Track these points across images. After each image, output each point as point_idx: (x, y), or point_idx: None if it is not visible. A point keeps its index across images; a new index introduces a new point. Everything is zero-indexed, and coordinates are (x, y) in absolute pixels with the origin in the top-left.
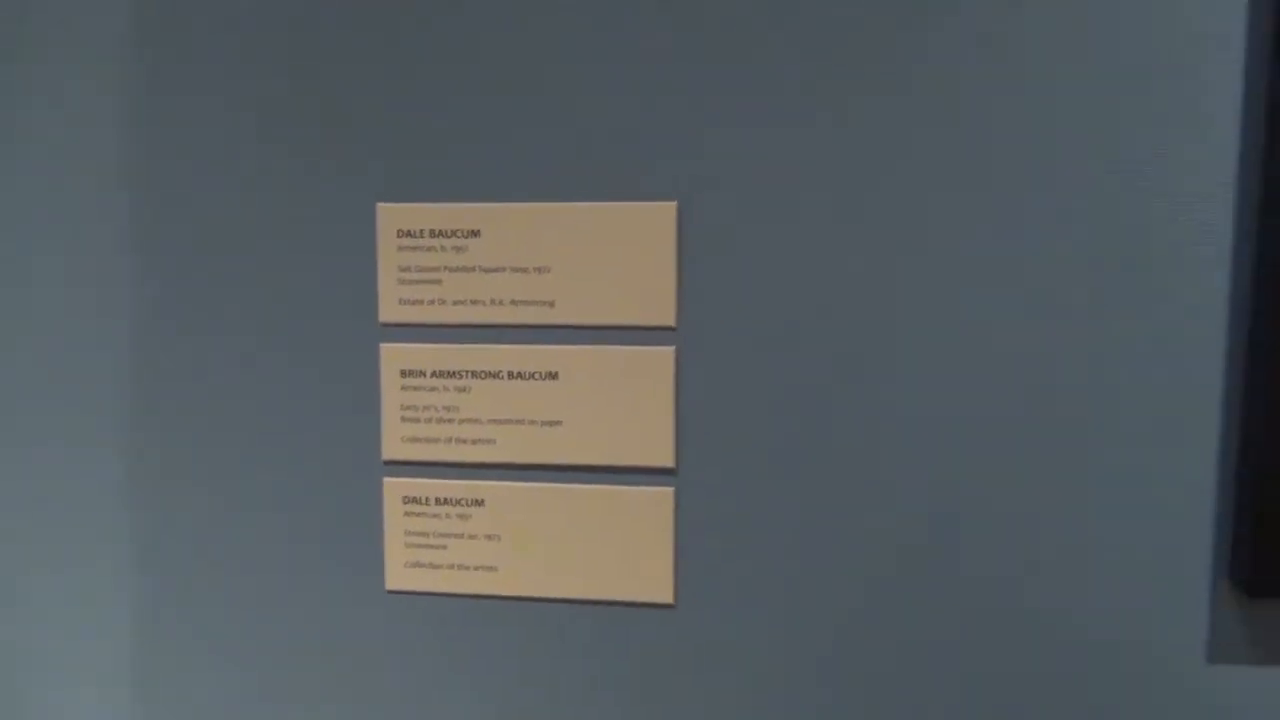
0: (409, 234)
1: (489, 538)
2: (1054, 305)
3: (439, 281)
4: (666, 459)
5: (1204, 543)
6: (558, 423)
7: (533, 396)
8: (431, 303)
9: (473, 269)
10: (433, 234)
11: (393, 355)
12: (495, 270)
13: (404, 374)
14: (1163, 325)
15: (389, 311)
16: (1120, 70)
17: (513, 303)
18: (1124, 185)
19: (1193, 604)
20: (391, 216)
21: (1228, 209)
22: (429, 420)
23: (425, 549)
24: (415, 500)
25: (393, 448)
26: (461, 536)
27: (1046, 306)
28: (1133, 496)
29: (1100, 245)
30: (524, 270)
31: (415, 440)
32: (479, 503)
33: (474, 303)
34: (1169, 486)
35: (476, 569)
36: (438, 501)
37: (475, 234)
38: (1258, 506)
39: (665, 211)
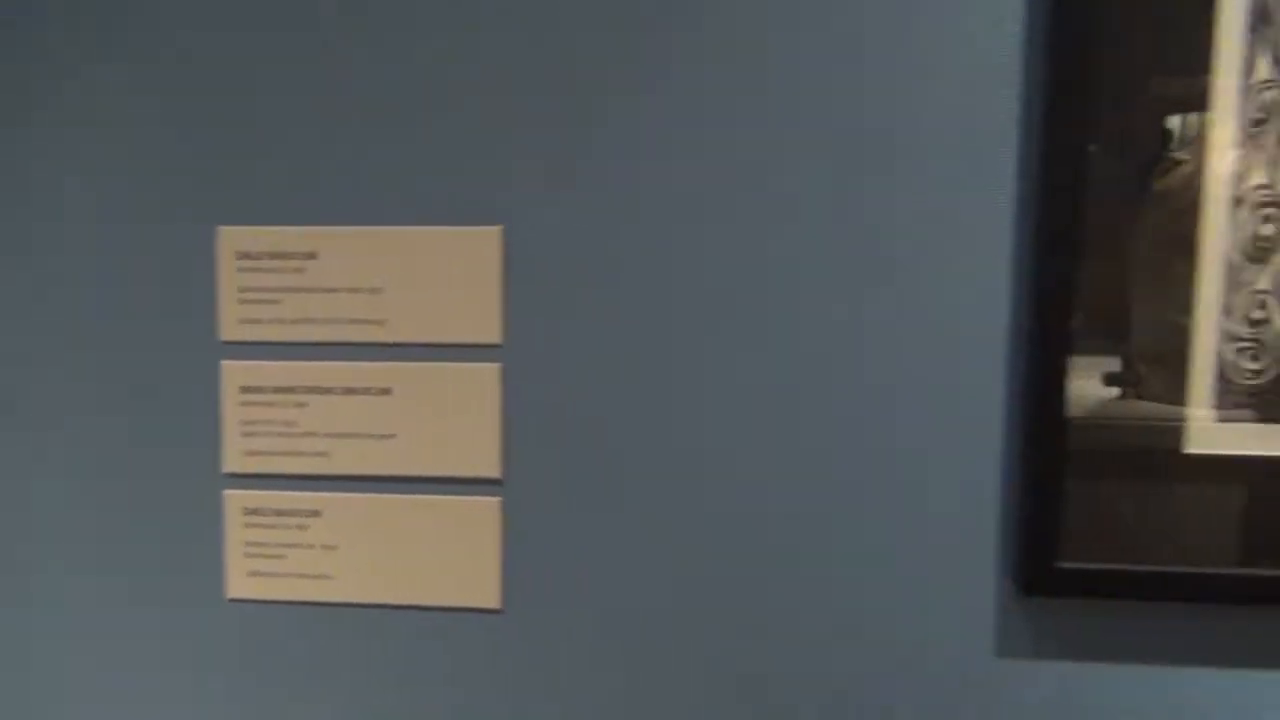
0: (248, 256)
1: (326, 547)
2: (842, 316)
3: (278, 301)
4: (493, 470)
5: (989, 545)
6: (391, 436)
7: (367, 411)
8: (270, 322)
9: (309, 290)
10: (271, 256)
11: (233, 372)
12: (331, 291)
13: (244, 390)
14: (946, 340)
15: (230, 330)
16: (896, 90)
17: (348, 322)
18: (907, 201)
19: (981, 602)
20: (232, 239)
21: (1006, 221)
22: (268, 434)
23: (265, 558)
24: (255, 512)
25: (233, 461)
26: (299, 546)
27: (838, 317)
28: (923, 501)
29: (883, 255)
30: (358, 291)
31: (255, 454)
32: (316, 513)
33: (311, 322)
34: (956, 492)
35: (314, 577)
36: (276, 513)
37: (312, 256)
38: (1029, 510)
39: (490, 235)
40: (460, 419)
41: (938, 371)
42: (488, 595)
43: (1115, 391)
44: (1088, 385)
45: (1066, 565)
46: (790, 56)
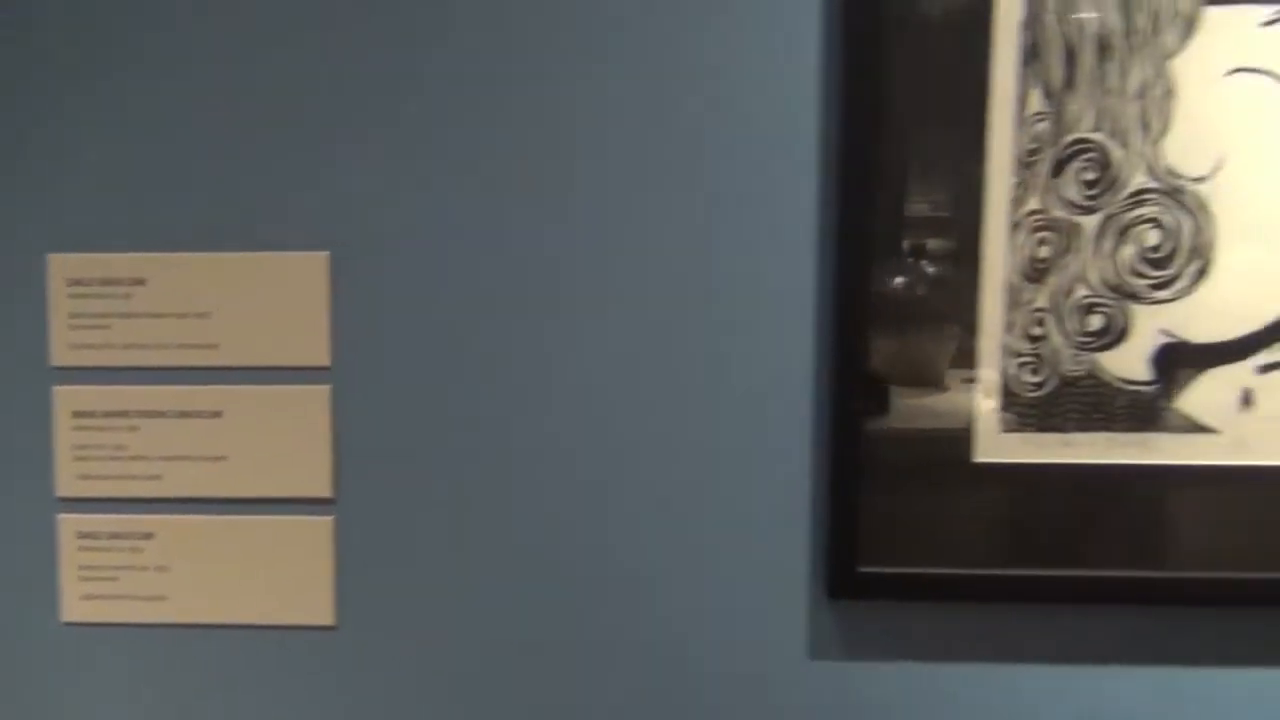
0: (79, 282)
1: (159, 569)
2: (654, 326)
3: (108, 327)
4: (325, 489)
5: (802, 550)
6: (223, 458)
7: (198, 434)
8: (101, 347)
9: (140, 315)
10: (101, 282)
11: (65, 397)
12: (161, 316)
13: (76, 415)
14: (756, 352)
15: (61, 356)
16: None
17: (178, 346)
18: (713, 217)
19: (793, 606)
20: (62, 266)
21: (809, 234)
22: (101, 458)
23: (99, 581)
24: (89, 535)
25: (66, 485)
26: (133, 569)
27: (650, 326)
28: (735, 509)
29: (693, 268)
30: (187, 316)
31: (88, 478)
32: (149, 536)
33: (142, 347)
34: (769, 499)
35: (148, 599)
36: (110, 536)
37: (141, 282)
38: (831, 517)
39: (318, 261)
40: (291, 440)
41: (748, 381)
42: (321, 612)
43: (911, 403)
44: (886, 396)
45: (867, 569)
46: (594, 87)
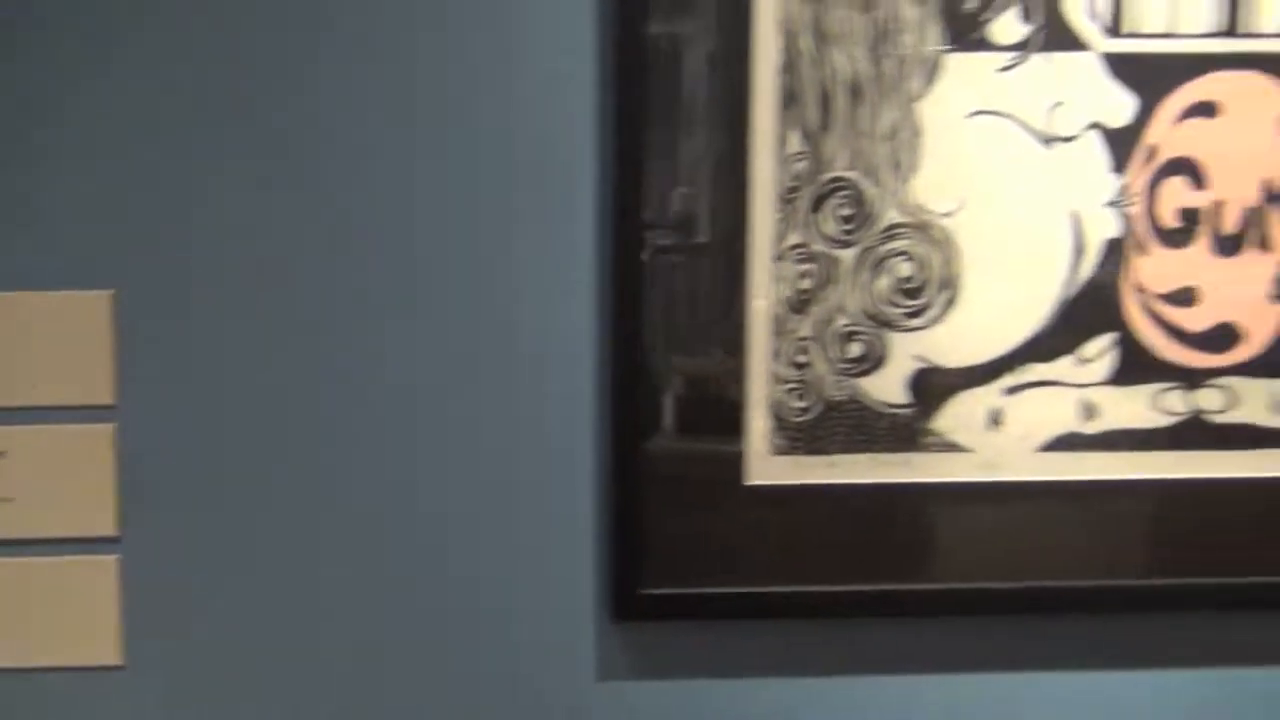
0: None
1: None
2: (433, 347)
3: None
4: (110, 528)
5: (588, 573)
6: (9, 499)
7: None
8: None
9: None
10: None
11: None
12: None
13: None
14: (538, 376)
15: None
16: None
17: None
18: (498, 253)
19: (581, 629)
20: None
21: (587, 254)
22: None
23: None
24: None
25: None
26: None
27: (429, 347)
28: (524, 533)
29: (470, 289)
30: None
31: None
32: None
33: None
34: (557, 521)
35: None
36: None
37: None
38: (613, 539)
39: (101, 300)
40: (75, 480)
41: (533, 408)
42: (108, 652)
43: (688, 428)
44: (663, 422)
45: (650, 591)
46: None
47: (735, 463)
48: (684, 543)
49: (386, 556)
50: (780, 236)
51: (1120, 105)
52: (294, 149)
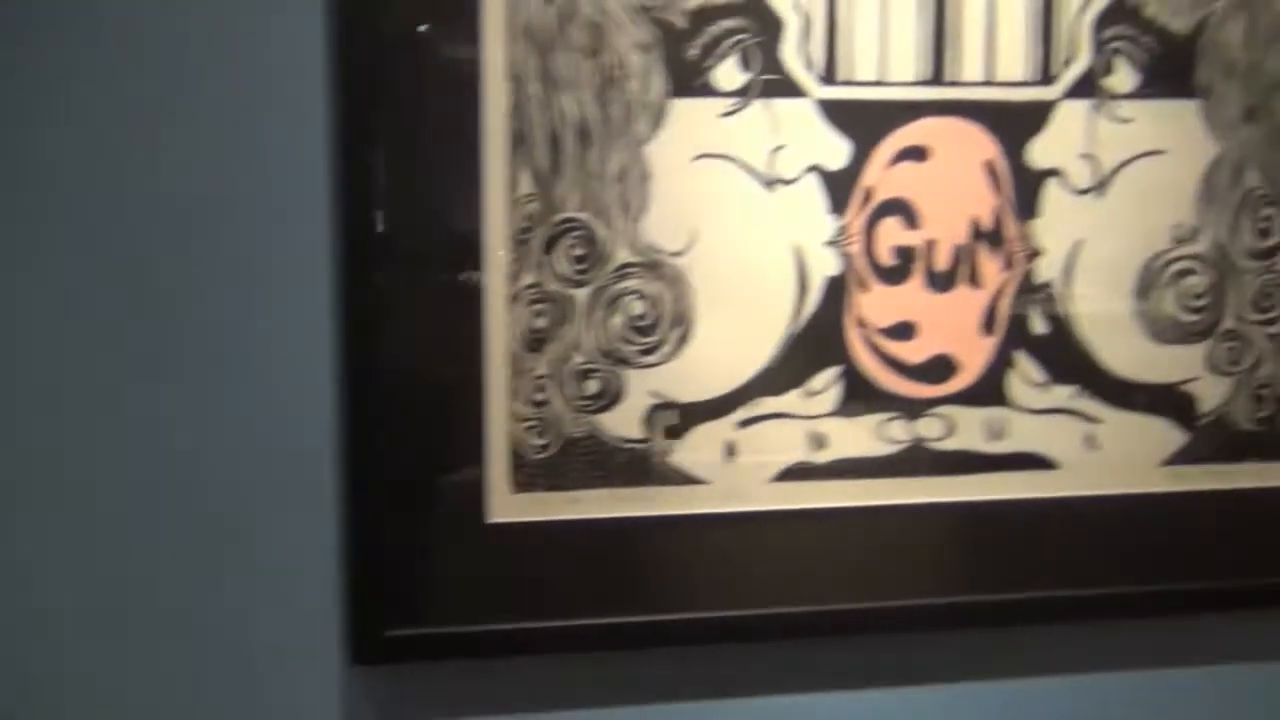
0: None
1: None
2: (172, 387)
3: None
4: None
5: (331, 616)
6: None
7: None
8: None
9: None
10: None
11: None
12: None
13: None
14: (275, 412)
15: None
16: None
17: None
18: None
19: (326, 674)
20: None
21: (323, 309)
22: None
23: None
24: None
25: None
26: None
27: (170, 387)
28: (267, 578)
29: (204, 325)
30: None
31: None
32: None
33: None
34: (300, 561)
35: None
36: None
37: None
38: (353, 581)
39: None
40: None
41: (268, 439)
42: None
43: (427, 468)
44: (404, 463)
45: (396, 632)
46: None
47: (476, 500)
48: (428, 582)
49: (127, 594)
50: (514, 276)
51: (837, 149)
52: None
